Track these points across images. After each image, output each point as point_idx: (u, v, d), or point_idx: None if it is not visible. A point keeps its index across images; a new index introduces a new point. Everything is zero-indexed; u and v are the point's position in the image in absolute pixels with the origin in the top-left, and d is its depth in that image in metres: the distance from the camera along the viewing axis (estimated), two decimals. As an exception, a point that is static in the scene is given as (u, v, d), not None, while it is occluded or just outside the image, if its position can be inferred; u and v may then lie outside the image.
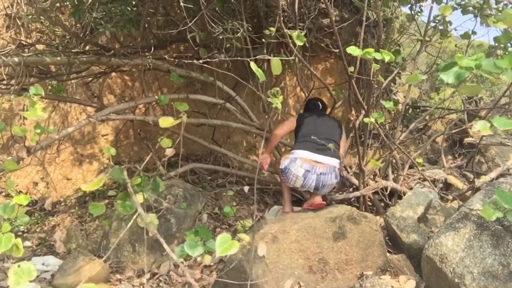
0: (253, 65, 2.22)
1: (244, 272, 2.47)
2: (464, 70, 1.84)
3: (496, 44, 3.68)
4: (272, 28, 3.04)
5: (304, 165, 2.93)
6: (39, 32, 4.06)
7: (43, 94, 2.24)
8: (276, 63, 2.32)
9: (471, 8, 3.66)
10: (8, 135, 3.69)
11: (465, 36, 3.88)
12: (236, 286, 2.37)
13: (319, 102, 3.51)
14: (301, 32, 2.56)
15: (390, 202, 3.72)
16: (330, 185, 3.00)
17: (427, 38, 3.96)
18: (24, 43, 3.77)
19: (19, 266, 1.39)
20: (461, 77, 1.84)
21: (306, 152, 2.98)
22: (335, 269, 2.54)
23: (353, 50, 2.31)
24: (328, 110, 3.85)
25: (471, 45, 4.32)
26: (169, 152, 1.99)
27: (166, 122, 1.91)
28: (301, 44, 2.52)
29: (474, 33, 3.86)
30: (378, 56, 2.31)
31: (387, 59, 2.33)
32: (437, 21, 3.96)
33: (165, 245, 1.45)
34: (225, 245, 1.59)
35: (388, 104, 2.78)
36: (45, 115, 2.14)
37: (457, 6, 3.69)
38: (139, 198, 1.89)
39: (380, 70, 3.14)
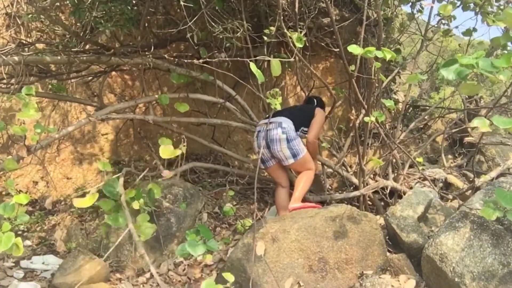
0: (252, 66, 2.21)
1: (244, 272, 2.48)
2: (464, 68, 1.83)
3: (493, 47, 3.66)
4: (272, 28, 3.04)
5: (257, 128, 3.28)
6: (39, 31, 4.06)
7: (34, 94, 2.23)
8: (276, 65, 2.30)
9: (472, 5, 3.63)
10: (8, 134, 3.69)
11: (467, 33, 3.85)
12: (237, 285, 2.37)
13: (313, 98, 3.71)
14: (301, 31, 2.56)
15: (390, 202, 3.72)
16: (278, 140, 3.04)
17: (427, 37, 3.95)
18: (24, 42, 3.76)
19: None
20: (461, 75, 1.83)
21: (262, 120, 3.37)
22: (335, 269, 2.54)
23: (354, 49, 2.30)
24: (328, 109, 3.86)
25: (471, 44, 4.31)
26: (167, 173, 2.00)
27: (166, 152, 1.93)
28: (301, 46, 2.52)
29: (475, 30, 3.84)
30: (379, 54, 2.30)
31: (388, 57, 2.31)
32: (440, 16, 3.91)
33: (146, 258, 1.44)
34: None
35: (389, 103, 2.77)
36: (38, 116, 2.12)
37: (457, 2, 3.65)
38: (134, 206, 1.90)
39: (380, 69, 3.13)
